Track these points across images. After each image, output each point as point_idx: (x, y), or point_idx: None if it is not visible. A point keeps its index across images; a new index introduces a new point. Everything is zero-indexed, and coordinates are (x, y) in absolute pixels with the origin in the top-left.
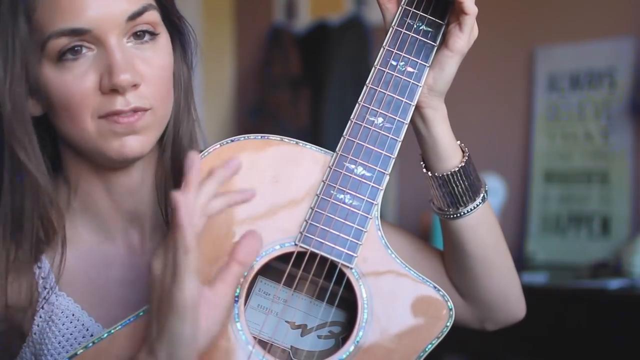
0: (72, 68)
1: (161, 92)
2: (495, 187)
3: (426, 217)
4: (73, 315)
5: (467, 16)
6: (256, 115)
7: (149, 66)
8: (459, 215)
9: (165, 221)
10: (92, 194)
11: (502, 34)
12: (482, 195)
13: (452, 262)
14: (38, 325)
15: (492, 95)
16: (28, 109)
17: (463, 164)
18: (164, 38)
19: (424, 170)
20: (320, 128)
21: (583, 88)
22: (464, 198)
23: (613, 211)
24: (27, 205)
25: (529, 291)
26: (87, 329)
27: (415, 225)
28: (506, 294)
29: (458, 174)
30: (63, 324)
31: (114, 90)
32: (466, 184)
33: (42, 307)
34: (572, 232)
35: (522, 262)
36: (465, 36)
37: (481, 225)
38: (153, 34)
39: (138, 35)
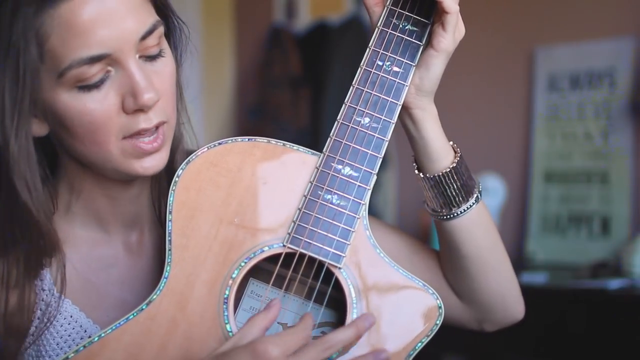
0: (92, 92)
1: (173, 104)
2: (495, 187)
3: (425, 216)
4: (71, 317)
5: (449, 15)
6: (256, 115)
7: (162, 78)
8: (452, 216)
9: (159, 220)
10: (94, 202)
11: (502, 34)
12: (475, 195)
13: (448, 263)
14: (36, 327)
15: (492, 95)
16: (31, 139)
17: (454, 165)
18: (166, 50)
19: (416, 171)
20: (320, 128)
21: (583, 88)
22: (457, 199)
23: (613, 211)
24: (24, 223)
25: (529, 291)
26: (85, 331)
27: (414, 225)
28: (504, 294)
29: (449, 175)
30: (61, 326)
31: (139, 110)
32: (458, 184)
33: (40, 309)
34: (572, 232)
35: (522, 262)
36: (449, 35)
37: (476, 225)
38: (162, 53)
39: (147, 57)
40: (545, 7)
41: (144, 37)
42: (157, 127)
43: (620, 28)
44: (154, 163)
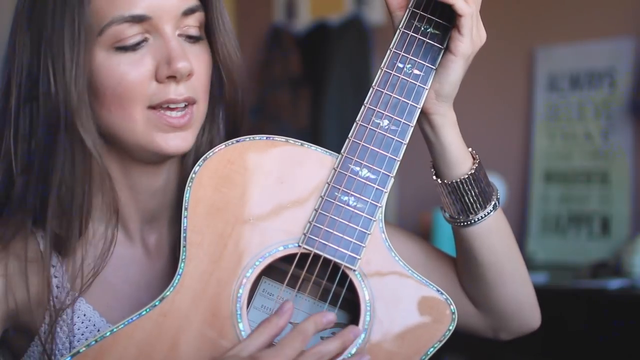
0: (128, 54)
1: (205, 88)
2: None
3: (426, 217)
4: (84, 315)
5: (463, 17)
6: (256, 115)
7: (198, 60)
8: (469, 222)
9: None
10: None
11: (502, 34)
12: (493, 202)
13: (465, 271)
14: (48, 325)
15: (492, 95)
16: (87, 97)
17: (473, 171)
18: (206, 43)
19: (434, 177)
20: (320, 128)
21: (583, 88)
22: (475, 206)
23: (613, 211)
24: (62, 199)
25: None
26: (99, 330)
27: (415, 225)
28: (520, 302)
29: (468, 181)
30: (74, 325)
31: (171, 78)
32: (476, 191)
33: (54, 307)
34: (572, 232)
35: None
36: (465, 39)
37: (493, 233)
38: (200, 39)
39: (187, 37)
40: (545, 7)
41: (185, 13)
42: (186, 105)
43: (620, 28)
44: (178, 142)
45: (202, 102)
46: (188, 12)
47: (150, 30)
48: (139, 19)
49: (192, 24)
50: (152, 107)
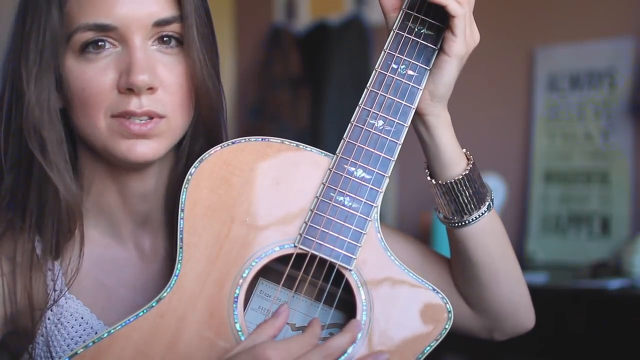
0: (94, 61)
1: (179, 102)
2: (495, 187)
3: (426, 217)
4: (82, 318)
5: (456, 18)
6: (256, 115)
7: (171, 73)
8: (464, 223)
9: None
10: (105, 196)
11: (502, 34)
12: (487, 203)
13: (459, 272)
14: (46, 328)
15: (492, 95)
16: (54, 100)
17: (467, 172)
18: (191, 50)
19: (428, 178)
20: (320, 128)
21: (583, 88)
22: (469, 206)
23: (613, 211)
24: (50, 198)
25: (529, 291)
26: (96, 333)
27: (415, 225)
28: (514, 303)
29: (462, 182)
30: (72, 327)
31: (130, 90)
32: (470, 192)
33: (51, 310)
34: (572, 232)
35: (522, 262)
36: (459, 39)
37: (487, 233)
38: (180, 42)
39: (164, 41)
40: (545, 7)
41: (158, 24)
42: (150, 118)
43: (620, 28)
44: (142, 148)
45: (176, 115)
46: (162, 23)
47: (118, 39)
48: (103, 28)
49: (167, 34)
50: (115, 116)
